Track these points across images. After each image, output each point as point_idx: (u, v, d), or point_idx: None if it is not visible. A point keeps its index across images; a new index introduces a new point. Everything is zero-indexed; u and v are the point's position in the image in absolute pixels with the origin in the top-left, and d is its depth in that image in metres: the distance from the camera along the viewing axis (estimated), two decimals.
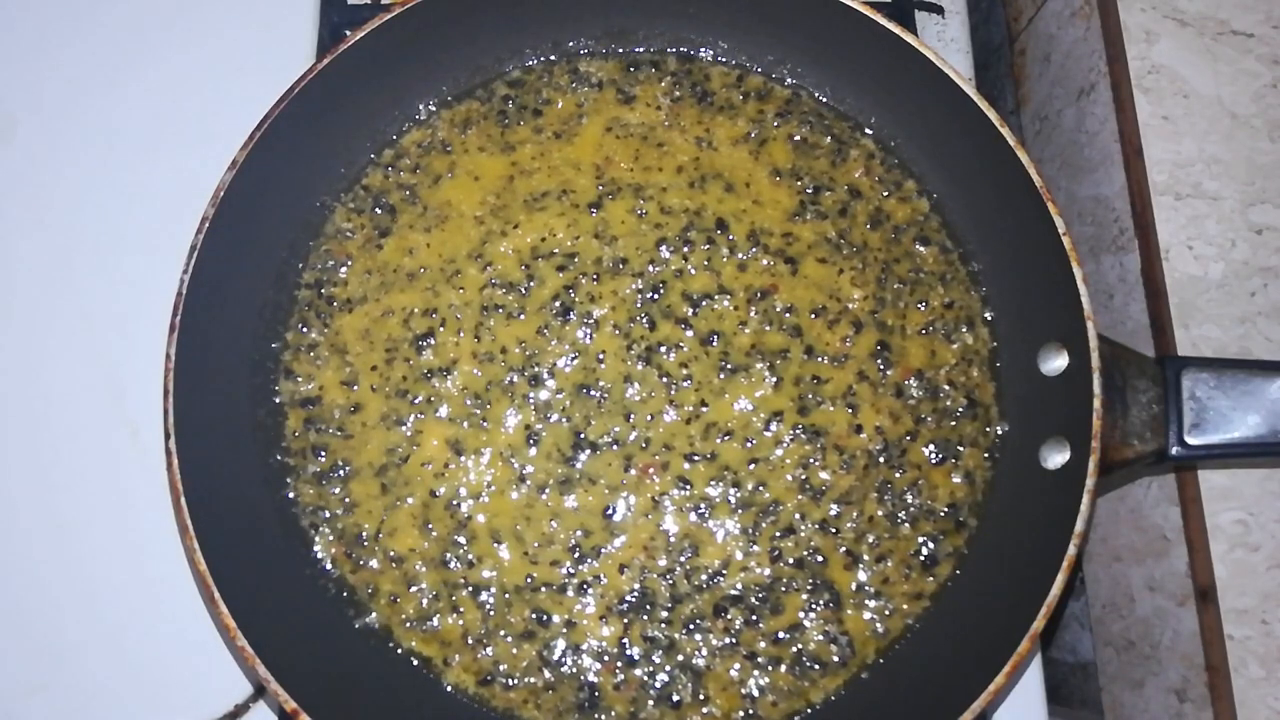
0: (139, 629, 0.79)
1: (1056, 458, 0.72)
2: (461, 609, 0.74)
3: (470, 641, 0.73)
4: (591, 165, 0.83)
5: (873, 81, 0.83)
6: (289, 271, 0.80)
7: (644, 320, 0.79)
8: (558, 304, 0.79)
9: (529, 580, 0.74)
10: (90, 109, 0.90)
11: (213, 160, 0.74)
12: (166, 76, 0.91)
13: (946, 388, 0.78)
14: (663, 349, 0.78)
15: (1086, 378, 0.69)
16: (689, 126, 0.84)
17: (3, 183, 0.88)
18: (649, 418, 0.77)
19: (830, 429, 0.77)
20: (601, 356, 0.78)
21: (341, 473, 0.76)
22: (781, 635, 0.73)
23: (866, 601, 0.74)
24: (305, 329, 0.79)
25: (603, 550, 0.75)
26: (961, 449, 0.77)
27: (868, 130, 0.84)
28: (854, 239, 0.81)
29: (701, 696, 0.72)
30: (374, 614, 0.74)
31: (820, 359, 0.78)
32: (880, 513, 0.76)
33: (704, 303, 0.79)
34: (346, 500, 0.76)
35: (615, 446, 0.77)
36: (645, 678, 0.73)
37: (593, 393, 0.78)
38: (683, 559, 0.75)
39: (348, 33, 0.78)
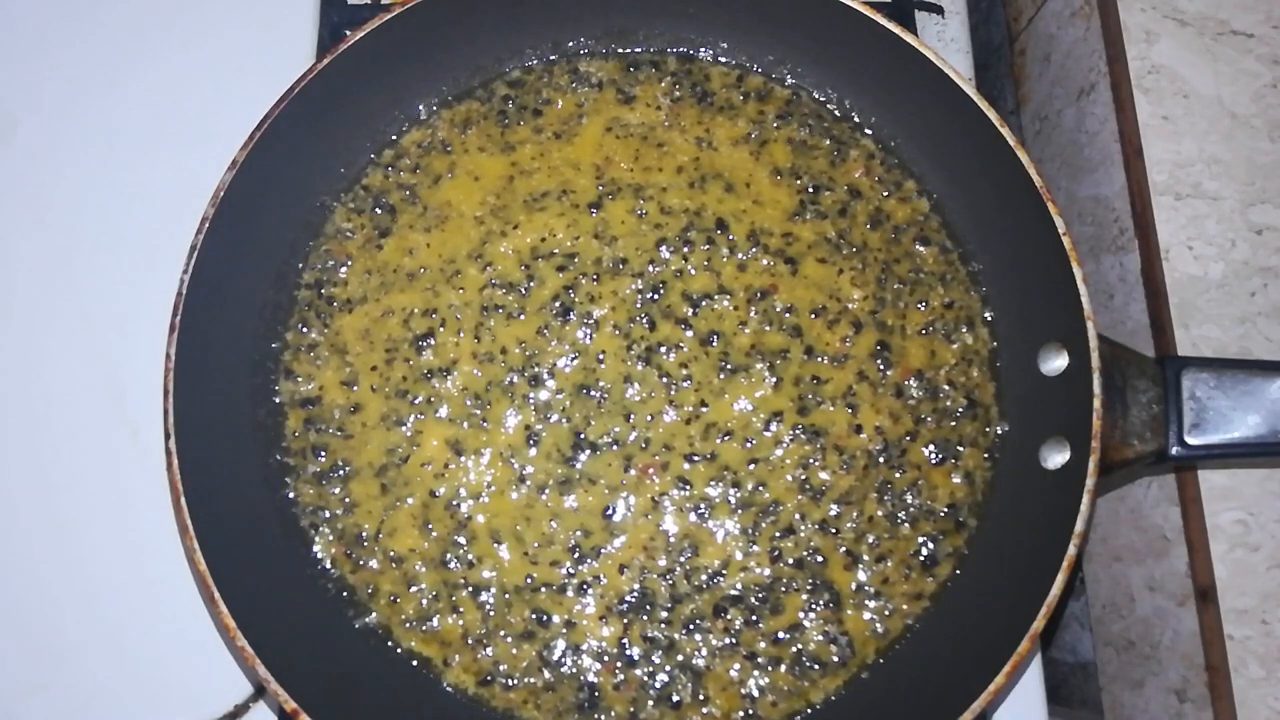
0: (139, 629, 0.79)
1: (1056, 458, 0.72)
2: (461, 609, 0.74)
3: (470, 642, 0.73)
4: (591, 165, 0.83)
5: (873, 81, 0.83)
6: (289, 271, 0.80)
7: (644, 320, 0.79)
8: (558, 304, 0.79)
9: (529, 580, 0.74)
10: (90, 109, 0.90)
11: (213, 160, 0.74)
12: (166, 76, 0.91)
13: (946, 388, 0.78)
14: (663, 349, 0.78)
15: (1086, 378, 0.69)
16: (689, 126, 0.84)
17: (3, 183, 0.88)
18: (649, 418, 0.77)
19: (830, 429, 0.77)
20: (601, 357, 0.78)
21: (341, 473, 0.76)
22: (781, 635, 0.73)
23: (866, 601, 0.74)
24: (305, 329, 0.79)
25: (603, 550, 0.75)
26: (961, 449, 0.77)
27: (867, 130, 0.84)
28: (854, 239, 0.81)
29: (701, 697, 0.72)
30: (374, 614, 0.74)
31: (820, 359, 0.78)
32: (880, 513, 0.76)
33: (704, 303, 0.79)
34: (346, 500, 0.76)
35: (615, 447, 0.77)
36: (645, 678, 0.73)
37: (593, 393, 0.77)
38: (683, 559, 0.75)
39: (348, 33, 0.78)
